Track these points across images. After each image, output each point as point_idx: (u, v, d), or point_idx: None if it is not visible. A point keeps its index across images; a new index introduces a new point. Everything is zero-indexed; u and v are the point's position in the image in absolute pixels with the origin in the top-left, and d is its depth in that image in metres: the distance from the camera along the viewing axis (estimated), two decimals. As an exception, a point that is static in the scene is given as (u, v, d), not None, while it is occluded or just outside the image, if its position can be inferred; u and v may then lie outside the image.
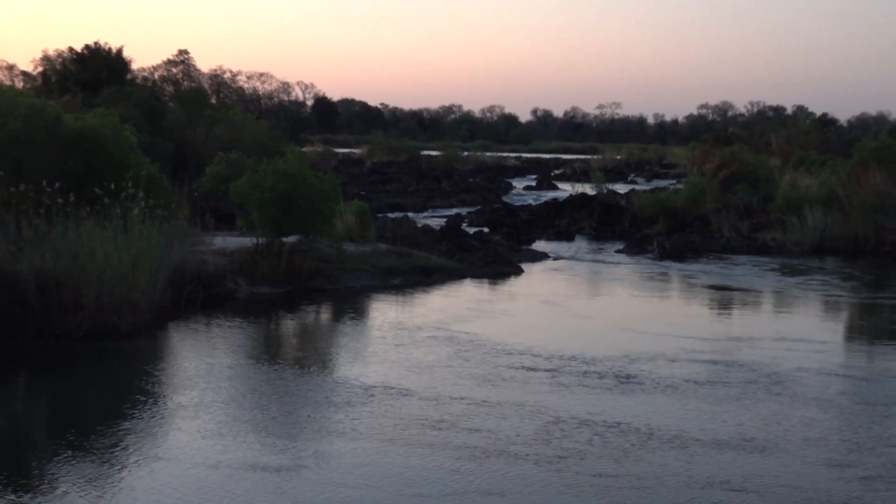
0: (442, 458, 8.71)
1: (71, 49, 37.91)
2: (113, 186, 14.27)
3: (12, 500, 7.59)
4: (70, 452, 8.84)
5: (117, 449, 8.89)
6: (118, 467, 8.36)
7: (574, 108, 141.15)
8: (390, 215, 28.35)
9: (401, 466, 8.51)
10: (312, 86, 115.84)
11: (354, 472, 8.37)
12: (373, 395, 10.69)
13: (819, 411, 10.54)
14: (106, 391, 11.34)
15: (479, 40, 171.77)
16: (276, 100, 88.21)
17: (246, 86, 77.11)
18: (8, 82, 42.49)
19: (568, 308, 17.28)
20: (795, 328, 15.61)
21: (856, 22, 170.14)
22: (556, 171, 65.08)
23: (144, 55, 78.34)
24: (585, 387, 11.25)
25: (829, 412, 10.54)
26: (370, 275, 18.55)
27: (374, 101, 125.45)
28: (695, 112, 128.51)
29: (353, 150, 76.83)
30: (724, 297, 18.79)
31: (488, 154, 76.91)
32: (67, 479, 8.13)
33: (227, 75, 69.53)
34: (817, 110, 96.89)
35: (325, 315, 16.38)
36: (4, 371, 11.98)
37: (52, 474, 8.28)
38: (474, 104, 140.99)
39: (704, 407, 10.54)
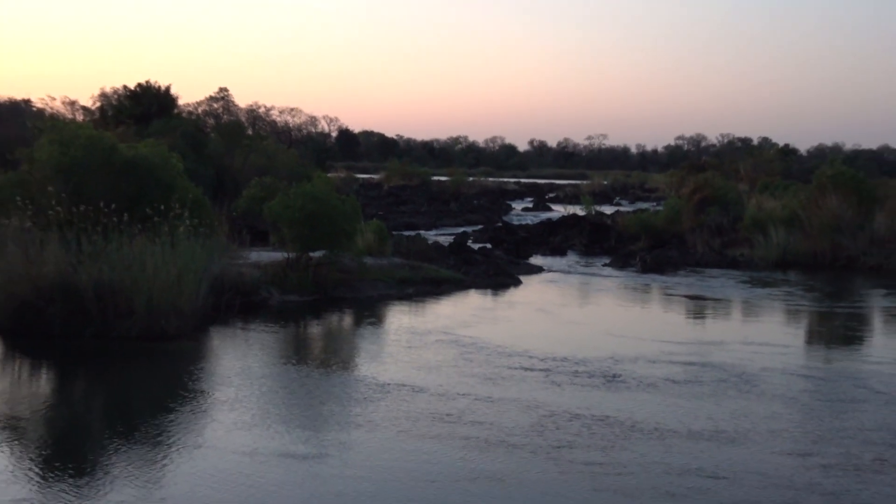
0: (450, 447, 8.70)
1: (125, 87, 38.19)
2: (162, 207, 14.32)
3: (70, 481, 7.60)
4: (121, 440, 8.86)
5: (162, 437, 8.90)
6: (163, 454, 8.37)
7: (566, 139, 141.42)
8: (405, 233, 28.36)
9: (414, 455, 8.49)
10: (336, 119, 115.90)
11: (372, 460, 8.36)
12: (388, 392, 10.68)
13: (783, 407, 10.50)
14: (154, 386, 11.35)
15: (483, 79, 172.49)
16: (304, 131, 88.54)
17: (278, 119, 77.45)
18: (70, 116, 42.76)
19: (560, 315, 17.26)
20: (761, 333, 15.57)
21: (815, 61, 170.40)
22: (551, 195, 64.98)
23: (189, 92, 79.15)
24: (575, 385, 11.23)
25: (791, 407, 10.50)
26: (387, 285, 18.55)
27: (390, 133, 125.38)
28: (672, 143, 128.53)
29: (372, 176, 76.86)
30: (699, 306, 18.76)
31: (491, 179, 76.93)
32: (118, 463, 8.14)
33: (262, 110, 69.89)
34: (780, 141, 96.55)
35: (347, 321, 16.39)
36: (66, 368, 12.02)
37: (105, 459, 8.30)
38: (479, 135, 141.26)
39: (681, 403, 10.52)
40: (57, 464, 8.09)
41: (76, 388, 11.36)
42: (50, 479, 7.62)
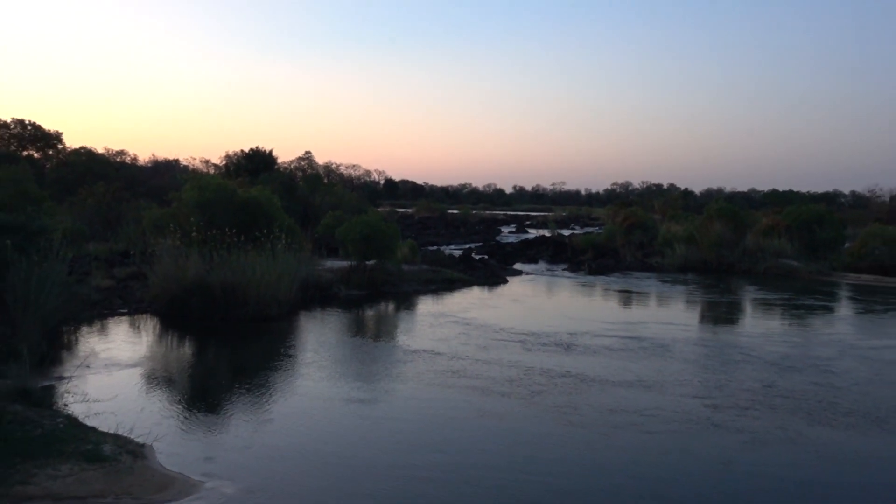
0: (460, 394, 8.64)
1: (242, 150, 38.34)
2: (266, 231, 14.37)
3: (202, 417, 7.59)
4: (239, 389, 8.85)
5: (266, 388, 8.88)
6: (266, 399, 8.35)
7: (538, 185, 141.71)
8: (429, 248, 28.29)
9: (436, 400, 8.44)
10: (384, 171, 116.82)
11: (408, 403, 8.31)
12: (416, 356, 10.63)
13: (687, 365, 10.39)
14: (261, 352, 11.33)
15: (481, 144, 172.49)
16: (362, 180, 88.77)
17: (344, 171, 77.64)
18: (205, 170, 43.01)
19: (533, 304, 17.16)
20: (671, 316, 15.43)
21: (705, 129, 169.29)
22: (527, 222, 64.46)
23: (285, 153, 79.46)
24: (543, 351, 11.14)
25: (693, 366, 10.39)
26: (417, 283, 18.50)
27: (420, 181, 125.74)
28: (609, 187, 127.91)
29: (407, 210, 76.87)
30: (628, 297, 18.61)
31: (487, 212, 76.79)
32: (237, 405, 8.13)
33: (333, 165, 70.10)
34: (682, 185, 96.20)
35: (390, 308, 16.34)
36: (201, 340, 12.02)
37: (228, 402, 8.28)
38: (479, 182, 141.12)
39: (616, 363, 10.42)
40: (195, 405, 8.09)
41: (208, 354, 11.36)
42: (190, 417, 7.62)
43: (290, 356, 10.71)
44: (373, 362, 10.46)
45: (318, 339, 12.06)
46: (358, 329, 13.46)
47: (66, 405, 7.55)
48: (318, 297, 15.68)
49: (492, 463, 6.47)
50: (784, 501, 5.87)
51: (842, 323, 15.19)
